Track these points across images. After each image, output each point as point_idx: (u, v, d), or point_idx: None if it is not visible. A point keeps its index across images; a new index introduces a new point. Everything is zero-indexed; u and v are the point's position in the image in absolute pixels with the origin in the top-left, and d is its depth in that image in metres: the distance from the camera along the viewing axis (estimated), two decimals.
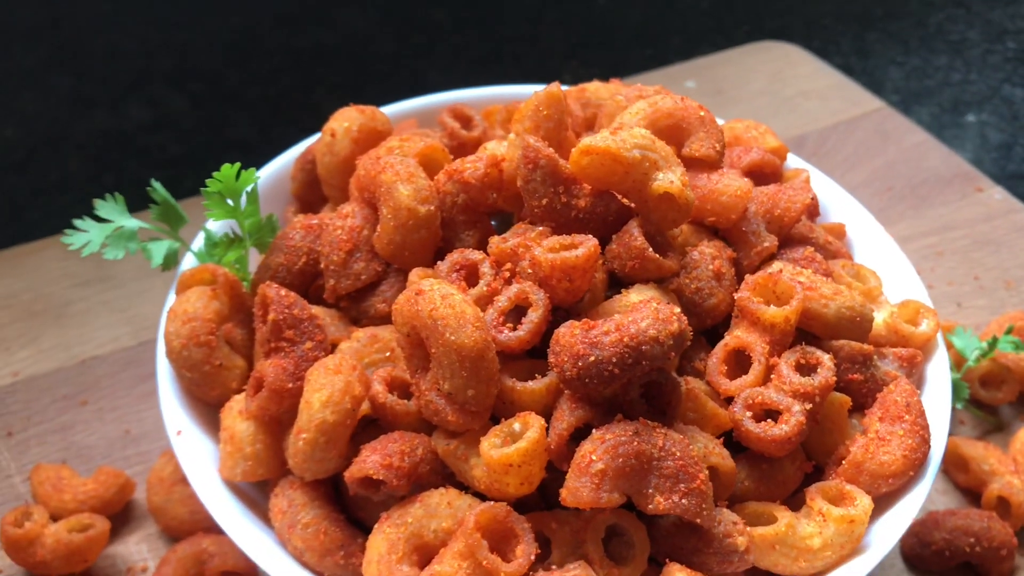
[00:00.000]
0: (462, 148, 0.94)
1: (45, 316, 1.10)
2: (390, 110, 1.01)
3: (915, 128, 1.40)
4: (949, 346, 1.04)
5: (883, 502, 0.73)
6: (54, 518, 0.90)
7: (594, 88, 0.97)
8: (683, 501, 0.65)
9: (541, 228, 0.76)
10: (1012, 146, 1.51)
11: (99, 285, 1.13)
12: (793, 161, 0.97)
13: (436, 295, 0.68)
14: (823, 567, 0.70)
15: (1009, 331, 1.02)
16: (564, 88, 0.98)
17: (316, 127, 1.49)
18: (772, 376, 0.74)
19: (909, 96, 1.61)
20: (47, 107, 1.51)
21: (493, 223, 0.84)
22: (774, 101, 1.43)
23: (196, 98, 1.54)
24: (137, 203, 1.33)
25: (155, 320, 1.10)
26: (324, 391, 0.70)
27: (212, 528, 0.89)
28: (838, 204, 0.96)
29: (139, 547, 0.91)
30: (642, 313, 0.66)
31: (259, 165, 1.41)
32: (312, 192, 0.94)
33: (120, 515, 0.93)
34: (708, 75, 1.47)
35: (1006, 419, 1.05)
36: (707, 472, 0.67)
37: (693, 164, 0.82)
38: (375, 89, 1.57)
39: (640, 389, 0.69)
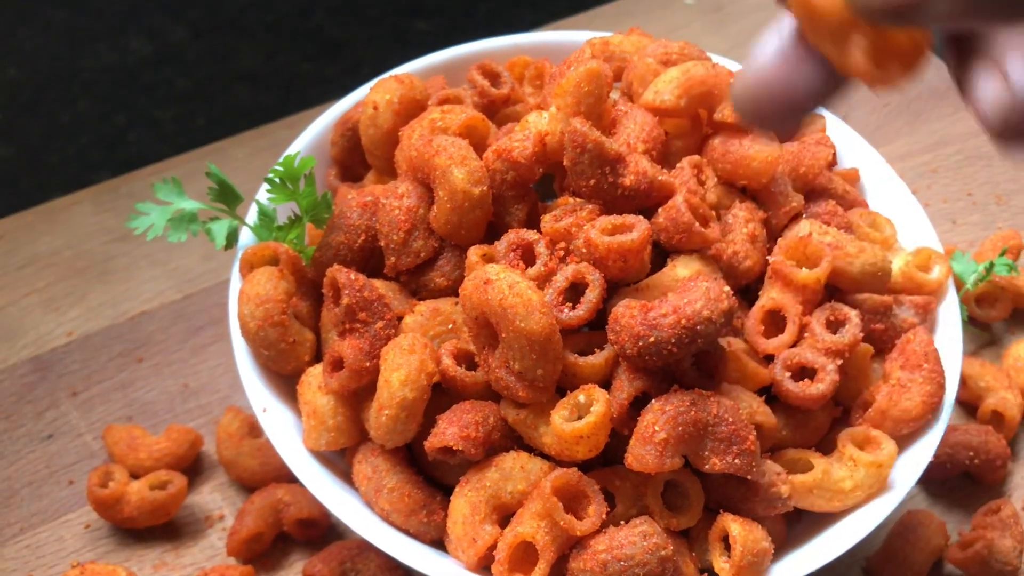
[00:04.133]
0: (492, 105, 0.97)
1: (89, 273, 1.14)
2: (418, 65, 1.04)
3: None
4: None
5: (903, 441, 0.82)
6: (133, 476, 0.97)
7: (617, 41, 1.00)
8: (736, 461, 0.73)
9: (591, 207, 0.81)
10: None
11: (136, 239, 1.17)
12: None
13: (504, 284, 0.73)
14: (854, 504, 0.79)
15: (1003, 253, 1.10)
16: (589, 36, 1.02)
17: (318, 54, 1.50)
18: (805, 334, 0.81)
19: None
20: (46, 43, 1.50)
21: (532, 186, 0.89)
22: (772, 16, 1.46)
23: (196, 27, 1.53)
24: (154, 144, 1.35)
25: (196, 273, 1.15)
26: (402, 371, 0.76)
27: (282, 478, 0.97)
28: (850, 148, 1.01)
29: (213, 496, 0.99)
30: (695, 294, 0.73)
31: (268, 96, 1.43)
32: (352, 157, 0.98)
33: (191, 468, 1.00)
34: None
35: (998, 334, 1.14)
36: (755, 433, 0.74)
37: (725, 129, 0.87)
38: (374, 10, 1.57)
39: (691, 358, 0.76)
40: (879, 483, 0.79)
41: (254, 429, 0.98)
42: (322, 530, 0.95)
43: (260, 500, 0.94)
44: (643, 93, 0.89)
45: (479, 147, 0.87)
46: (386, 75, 0.95)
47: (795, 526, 0.83)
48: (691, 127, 0.89)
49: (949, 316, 0.88)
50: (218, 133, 1.33)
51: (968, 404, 1.08)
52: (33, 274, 1.14)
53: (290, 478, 0.96)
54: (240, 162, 1.24)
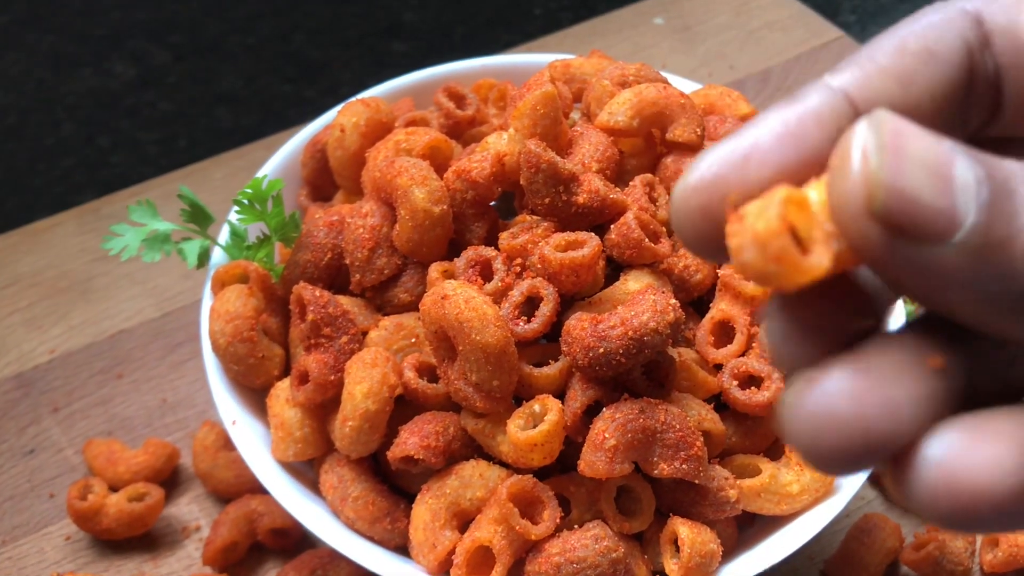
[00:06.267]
0: (457, 127, 1.01)
1: (71, 292, 1.17)
2: (386, 88, 1.08)
3: None
4: None
5: None
6: (112, 489, 1.00)
7: (578, 64, 1.04)
8: (683, 466, 0.76)
9: (546, 224, 0.84)
10: None
11: (116, 259, 1.19)
12: None
13: (460, 299, 0.77)
14: (801, 508, 0.82)
15: None
16: (552, 59, 1.06)
17: (298, 76, 1.54)
18: (753, 344, 0.85)
19: (866, 16, 1.68)
20: (32, 68, 1.53)
21: (493, 203, 0.92)
22: (739, 35, 1.50)
23: (178, 51, 1.57)
24: (137, 165, 1.39)
25: (174, 292, 1.18)
26: (364, 383, 0.80)
27: (256, 489, 1.00)
28: None
29: (190, 508, 1.02)
30: (642, 306, 0.76)
31: (249, 118, 1.47)
32: (322, 177, 1.01)
33: (168, 480, 1.03)
34: (675, 10, 1.53)
35: None
36: (702, 439, 0.78)
37: (677, 148, 0.90)
38: (352, 32, 1.61)
39: (641, 368, 0.80)
40: (825, 487, 0.82)
41: (229, 442, 1.01)
42: (295, 539, 0.98)
43: (235, 511, 0.97)
44: (599, 114, 0.92)
45: (442, 167, 0.90)
46: (353, 99, 0.98)
47: (747, 529, 0.86)
48: (645, 146, 0.93)
49: (895, 323, 0.92)
50: (200, 154, 1.36)
51: None
52: (16, 293, 1.18)
53: (264, 489, 0.99)
54: (219, 182, 1.28)
